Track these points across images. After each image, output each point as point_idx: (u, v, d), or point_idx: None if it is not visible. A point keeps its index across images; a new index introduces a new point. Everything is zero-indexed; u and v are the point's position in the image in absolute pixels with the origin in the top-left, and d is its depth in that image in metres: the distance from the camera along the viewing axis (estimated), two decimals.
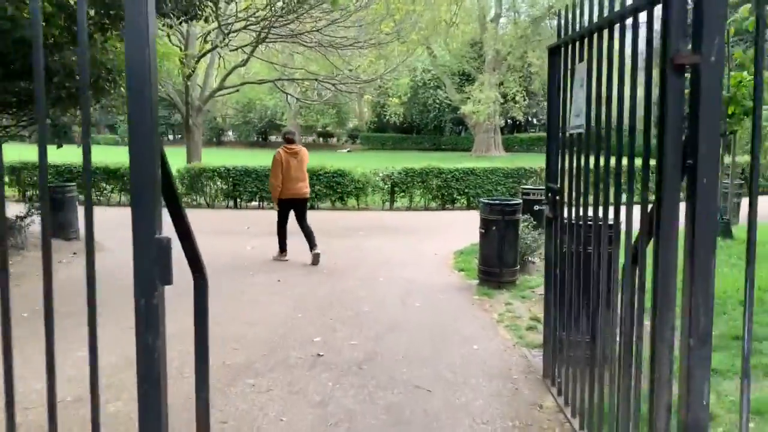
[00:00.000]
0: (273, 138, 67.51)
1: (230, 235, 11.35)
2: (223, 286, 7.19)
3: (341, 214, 14.86)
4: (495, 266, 7.22)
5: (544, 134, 33.91)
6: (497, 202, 7.41)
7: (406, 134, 57.30)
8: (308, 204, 9.29)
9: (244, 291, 7.08)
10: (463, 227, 12.94)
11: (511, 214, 7.26)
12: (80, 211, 12.01)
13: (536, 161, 21.70)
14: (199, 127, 18.56)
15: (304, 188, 8.92)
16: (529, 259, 8.17)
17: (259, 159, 33.08)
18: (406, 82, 48.20)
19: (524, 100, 41.31)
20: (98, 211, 16.10)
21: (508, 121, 47.35)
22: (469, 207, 16.31)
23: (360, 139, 61.65)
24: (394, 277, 7.91)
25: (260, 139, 64.78)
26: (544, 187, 11.44)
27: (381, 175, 15.92)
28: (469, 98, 42.14)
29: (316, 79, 18.52)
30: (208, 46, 17.10)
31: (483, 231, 7.36)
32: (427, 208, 16.26)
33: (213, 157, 32.81)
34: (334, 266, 8.62)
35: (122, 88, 9.26)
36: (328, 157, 40.70)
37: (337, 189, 15.67)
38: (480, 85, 42.04)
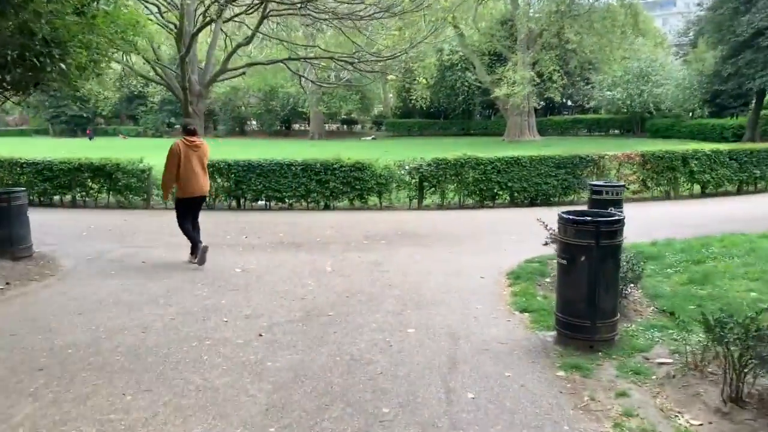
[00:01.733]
0: (297, 126, 65.54)
1: (219, 249, 9.03)
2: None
3: (360, 216, 12.44)
4: (584, 317, 4.74)
5: (581, 116, 31.13)
6: (586, 217, 4.88)
7: (433, 119, 54.67)
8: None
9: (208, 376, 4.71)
10: (509, 232, 10.48)
11: (611, 236, 4.75)
12: (40, 218, 9.81)
13: (581, 146, 18.76)
14: (201, 115, 16.26)
15: (205, 186, 8.08)
16: (625, 294, 5.67)
17: (280, 149, 30.99)
18: (432, 62, 45.58)
19: (561, 79, 38.24)
20: (80, 215, 14.16)
21: (541, 103, 44.28)
22: (513, 203, 13.75)
23: (385, 126, 59.23)
24: (430, 325, 5.46)
25: (284, 128, 62.82)
26: (617, 183, 8.86)
27: (407, 167, 13.44)
28: (501, 80, 39.27)
29: (332, 58, 16.03)
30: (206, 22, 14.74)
31: (564, 263, 4.87)
32: (462, 206, 13.75)
33: (231, 148, 30.92)
34: (343, 300, 6.22)
35: (62, 64, 6.93)
36: (352, 145, 38.45)
37: (356, 185, 13.24)
38: (513, 65, 39.12)
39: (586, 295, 4.72)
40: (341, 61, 15.89)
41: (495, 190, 13.52)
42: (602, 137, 43.31)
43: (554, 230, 7.53)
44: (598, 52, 39.49)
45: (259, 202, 13.61)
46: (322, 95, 52.53)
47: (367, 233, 10.43)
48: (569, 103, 55.06)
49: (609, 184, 8.84)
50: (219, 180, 13.33)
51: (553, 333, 5.10)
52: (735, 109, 38.89)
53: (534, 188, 13.53)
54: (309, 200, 13.40)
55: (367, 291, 6.65)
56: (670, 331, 4.97)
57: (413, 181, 13.58)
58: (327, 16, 14.65)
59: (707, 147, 14.50)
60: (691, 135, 36.13)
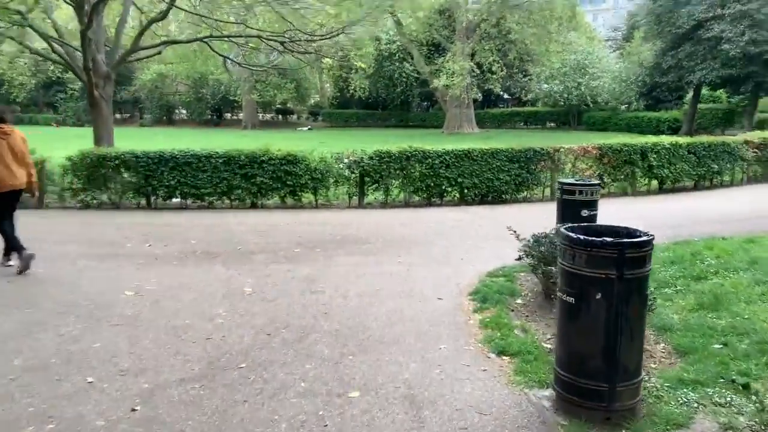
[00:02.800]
0: (229, 116, 62.71)
1: (111, 260, 7.24)
2: None
3: (293, 216, 10.83)
4: (599, 377, 3.35)
5: (518, 109, 30.12)
6: (604, 238, 3.46)
7: (371, 110, 53.21)
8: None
9: None
10: (462, 235, 9.15)
11: (638, 263, 3.37)
12: None
13: (522, 139, 17.63)
14: (108, 100, 14.17)
15: (19, 179, 6.96)
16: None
17: (208, 139, 28.66)
18: (369, 51, 44.07)
19: (501, 70, 37.46)
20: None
21: (481, 95, 43.55)
22: (462, 200, 12.44)
23: (322, 116, 57.32)
24: (381, 383, 3.96)
25: (215, 117, 59.92)
26: (591, 181, 7.57)
27: (346, 161, 11.90)
28: (439, 70, 38.19)
29: (259, 37, 14.24)
30: None
31: (570, 301, 3.46)
32: (408, 204, 12.34)
33: (150, 139, 28.34)
34: (262, 340, 4.65)
35: None
36: (287, 136, 36.51)
37: (288, 181, 11.60)
38: (452, 55, 38.04)
39: (602, 348, 3.34)
40: (270, 41, 14.14)
41: (444, 186, 12.17)
42: (540, 130, 42.99)
43: (528, 240, 6.22)
44: (536, 44, 38.96)
45: (173, 200, 11.78)
46: (255, 83, 50.14)
47: (300, 238, 8.86)
48: (506, 95, 54.74)
49: (582, 182, 7.59)
50: (125, 174, 11.42)
51: (548, 392, 3.72)
52: (670, 102, 39.26)
53: (485, 184, 12.26)
54: (233, 198, 11.67)
55: (296, 324, 5.11)
56: (708, 390, 3.66)
57: (353, 176, 12.06)
58: None
59: (666, 140, 13.62)
60: (628, 128, 36.16)
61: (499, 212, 11.24)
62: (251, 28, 14.54)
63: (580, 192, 7.34)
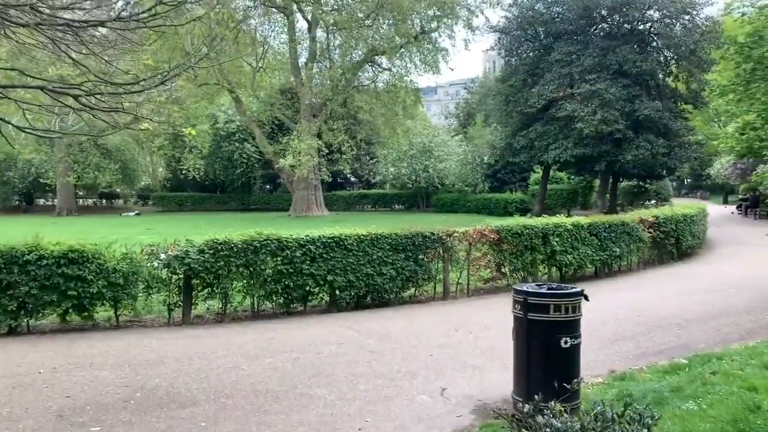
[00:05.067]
0: (42, 201, 54.68)
1: None
2: None
3: (75, 349, 6.79)
4: None
5: (366, 191, 27.85)
6: None
7: (208, 193, 48.83)
8: None
9: None
10: (348, 371, 5.81)
11: None
12: None
13: (376, 221, 14.83)
14: None
15: None
16: None
17: (4, 230, 22.30)
18: (205, 130, 40.40)
19: (351, 150, 35.52)
20: None
21: (330, 176, 41.38)
22: (334, 305, 9.12)
23: (153, 200, 51.68)
24: None
25: (23, 203, 51.79)
26: (567, 286, 4.73)
27: (164, 256, 8.16)
28: (284, 150, 35.46)
29: (41, 88, 10.27)
30: None
31: None
32: (257, 315, 8.77)
33: None
34: None
35: None
36: (107, 222, 31.16)
37: (71, 290, 7.56)
38: (297, 134, 35.54)
39: None
40: (59, 91, 10.20)
41: (308, 287, 8.79)
42: (389, 212, 41.45)
43: (519, 415, 3.08)
44: (385, 125, 37.91)
45: None
46: (72, 163, 43.99)
47: (68, 400, 4.97)
48: (352, 178, 53.31)
49: (555, 290, 4.66)
50: None
51: None
52: (514, 183, 39.74)
53: (364, 282, 9.08)
54: None
55: None
56: None
57: (175, 278, 8.33)
58: (29, 21, 9.03)
59: (567, 221, 11.50)
60: (477, 209, 35.75)
61: (388, 323, 8.07)
62: (33, 77, 10.54)
63: (557, 308, 4.40)
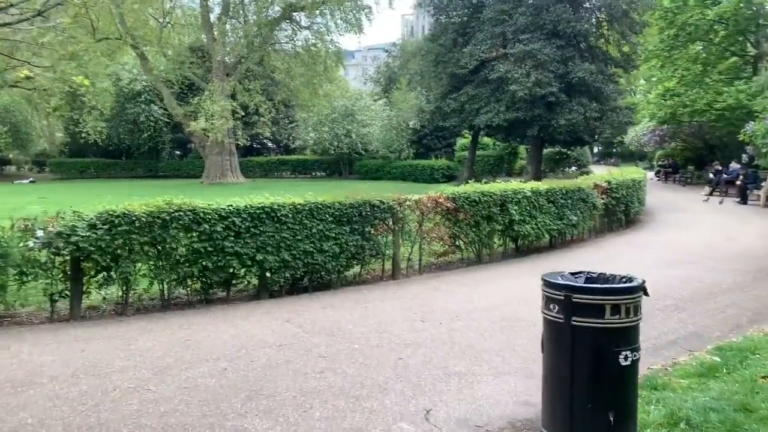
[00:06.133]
0: None
1: None
2: None
3: None
4: None
5: (285, 157, 25.85)
6: None
7: (113, 159, 44.98)
8: None
9: None
10: (294, 388, 4.23)
11: None
12: None
13: (298, 189, 13.26)
14: None
15: None
16: None
17: None
18: (106, 88, 36.69)
19: (269, 112, 33.23)
20: None
21: (247, 141, 38.69)
22: (265, 290, 7.50)
23: (50, 166, 47.15)
24: None
25: None
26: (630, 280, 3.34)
27: (41, 234, 6.25)
28: (196, 112, 32.73)
29: None
30: None
31: None
32: (168, 304, 7.04)
33: None
34: None
35: None
36: None
37: None
38: (210, 95, 32.82)
39: None
40: None
41: (232, 269, 7.11)
42: (310, 180, 39.50)
43: None
44: (305, 86, 35.80)
45: None
46: None
47: None
48: (270, 144, 50.72)
49: (610, 282, 3.30)
50: None
51: None
52: (440, 150, 38.79)
53: (301, 260, 7.50)
54: None
55: None
56: None
57: (59, 261, 6.45)
58: None
59: (526, 187, 10.30)
60: (402, 176, 34.71)
61: (336, 313, 6.56)
62: None
63: (615, 309, 3.06)
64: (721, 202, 19.25)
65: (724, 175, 21.83)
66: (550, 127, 23.92)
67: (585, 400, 3.09)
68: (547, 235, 10.80)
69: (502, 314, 6.32)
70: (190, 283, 7.13)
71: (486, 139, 35.77)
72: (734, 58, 26.84)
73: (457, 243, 9.50)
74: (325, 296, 7.48)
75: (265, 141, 48.20)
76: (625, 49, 26.20)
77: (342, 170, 41.79)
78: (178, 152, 48.40)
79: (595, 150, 69.58)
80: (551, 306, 3.19)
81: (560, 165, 38.11)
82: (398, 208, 8.38)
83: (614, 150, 63.83)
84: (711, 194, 21.24)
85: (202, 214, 6.89)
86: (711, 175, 22.96)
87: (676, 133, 30.88)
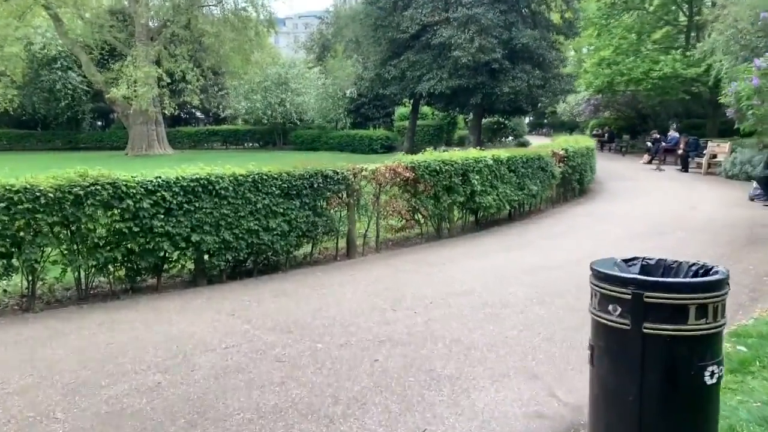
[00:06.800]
0: None
1: None
2: None
3: None
4: None
5: (215, 128, 24.34)
6: None
7: (28, 130, 41.65)
8: None
9: None
10: (250, 407, 3.22)
11: None
12: None
13: (229, 160, 12.16)
14: None
15: None
16: None
17: None
18: (17, 53, 33.57)
19: (198, 80, 31.27)
20: None
21: (174, 110, 36.32)
22: (202, 275, 6.44)
23: None
24: None
25: None
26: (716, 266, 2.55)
27: None
28: (117, 79, 30.43)
29: None
30: None
31: None
32: (87, 296, 5.90)
33: None
34: None
35: None
36: None
37: None
38: (132, 60, 30.52)
39: None
40: None
41: (163, 252, 6.01)
42: (243, 150, 37.74)
43: None
44: (235, 52, 33.88)
45: None
46: None
47: None
48: (198, 114, 48.28)
49: (698, 274, 2.51)
50: None
51: None
52: (378, 120, 37.77)
53: (245, 241, 6.47)
54: None
55: None
56: None
57: None
58: None
59: (486, 155, 9.51)
60: (340, 147, 33.64)
61: (290, 302, 5.61)
62: None
63: (702, 311, 2.26)
64: (659, 170, 19.26)
65: (663, 144, 21.93)
66: (493, 95, 23.34)
67: (658, 430, 2.31)
68: (508, 207, 10.12)
69: (482, 299, 5.54)
70: (112, 269, 5.99)
71: (425, 109, 35.02)
72: (668, 27, 27.00)
73: (416, 217, 8.68)
74: (273, 281, 6.50)
75: (193, 110, 45.79)
76: (568, 15, 25.83)
77: (276, 141, 40.20)
78: (99, 123, 45.39)
79: (526, 120, 70.21)
80: (610, 307, 2.37)
81: (497, 135, 37.92)
82: (353, 179, 7.44)
83: (545, 120, 64.43)
84: (650, 162, 21.36)
85: (124, 188, 5.74)
86: (649, 144, 23.08)
87: (610, 102, 31.08)
